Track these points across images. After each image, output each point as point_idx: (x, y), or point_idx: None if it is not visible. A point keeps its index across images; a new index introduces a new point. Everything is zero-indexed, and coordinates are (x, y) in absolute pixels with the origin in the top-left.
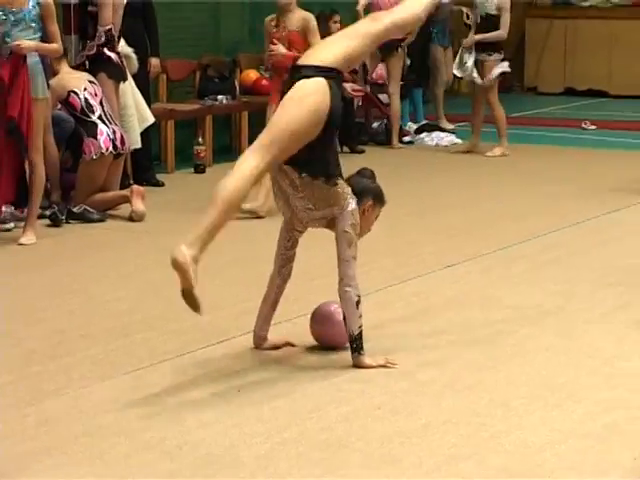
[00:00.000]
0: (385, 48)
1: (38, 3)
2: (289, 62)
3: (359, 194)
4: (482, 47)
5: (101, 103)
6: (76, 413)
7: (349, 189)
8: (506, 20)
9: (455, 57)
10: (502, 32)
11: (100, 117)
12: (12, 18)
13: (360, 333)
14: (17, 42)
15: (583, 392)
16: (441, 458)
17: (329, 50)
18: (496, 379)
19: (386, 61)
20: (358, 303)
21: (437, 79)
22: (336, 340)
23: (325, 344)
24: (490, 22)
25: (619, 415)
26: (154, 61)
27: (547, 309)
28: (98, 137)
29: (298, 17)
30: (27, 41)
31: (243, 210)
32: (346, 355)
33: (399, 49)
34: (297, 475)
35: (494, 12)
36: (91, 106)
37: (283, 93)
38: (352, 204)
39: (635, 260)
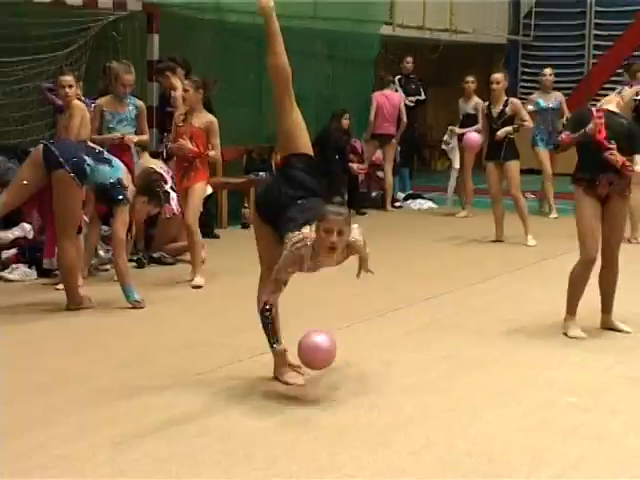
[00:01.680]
0: (383, 139)
1: (136, 107)
2: (192, 155)
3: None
4: None
5: (172, 177)
6: (163, 406)
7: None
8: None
9: None
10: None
11: (171, 187)
12: (117, 118)
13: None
14: (128, 136)
15: (523, 394)
16: (422, 442)
17: None
18: (461, 384)
19: (383, 148)
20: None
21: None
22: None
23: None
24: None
25: (550, 412)
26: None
27: (498, 332)
28: (171, 202)
29: (204, 117)
30: (132, 135)
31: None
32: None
33: (393, 140)
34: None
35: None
36: (166, 181)
37: (181, 177)
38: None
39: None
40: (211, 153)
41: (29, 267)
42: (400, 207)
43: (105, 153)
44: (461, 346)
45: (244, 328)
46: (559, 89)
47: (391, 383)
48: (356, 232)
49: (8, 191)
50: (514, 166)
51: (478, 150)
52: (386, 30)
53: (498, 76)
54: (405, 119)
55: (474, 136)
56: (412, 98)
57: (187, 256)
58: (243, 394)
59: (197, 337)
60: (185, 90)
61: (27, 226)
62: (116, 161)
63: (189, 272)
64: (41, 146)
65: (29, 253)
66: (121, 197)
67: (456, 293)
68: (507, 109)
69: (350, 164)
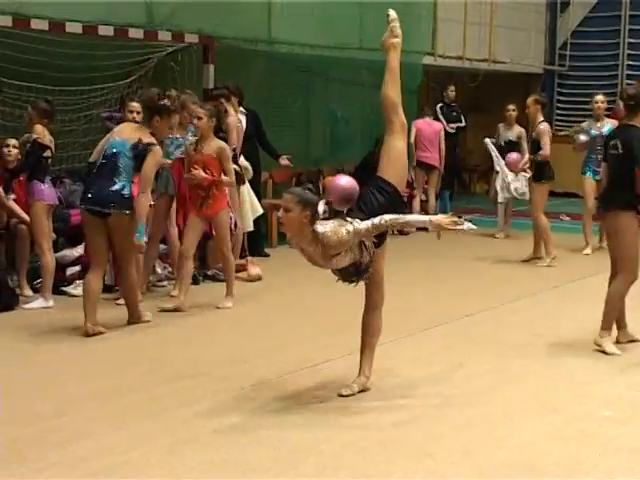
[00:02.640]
0: (427, 167)
1: (194, 134)
2: (206, 182)
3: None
4: None
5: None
6: (216, 415)
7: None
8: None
9: None
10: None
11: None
12: (176, 143)
13: None
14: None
15: (560, 407)
16: (463, 452)
17: None
18: (500, 397)
19: (427, 175)
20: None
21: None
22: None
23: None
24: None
25: (587, 424)
26: (283, 159)
27: (535, 347)
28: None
29: (215, 144)
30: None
31: (168, 309)
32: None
33: (436, 170)
34: None
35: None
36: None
37: (200, 205)
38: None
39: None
40: (224, 179)
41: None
42: None
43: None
44: (500, 360)
45: (292, 342)
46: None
47: (433, 395)
48: (327, 226)
49: (95, 263)
50: (538, 188)
51: (519, 169)
52: (428, 60)
53: (527, 101)
54: (443, 145)
55: (514, 155)
56: (453, 125)
57: (237, 273)
58: (293, 405)
59: (248, 350)
60: (199, 118)
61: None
62: None
63: (238, 288)
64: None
65: None
66: None
67: (494, 310)
68: (534, 133)
69: None
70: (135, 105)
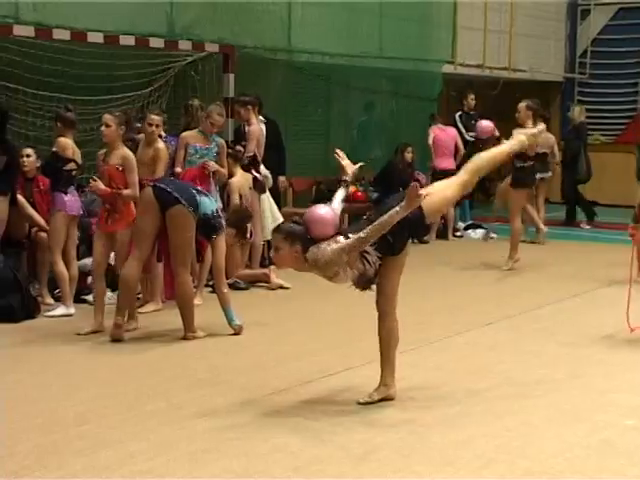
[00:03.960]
0: (446, 174)
1: (217, 145)
2: (106, 195)
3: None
4: None
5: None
6: (237, 424)
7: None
8: None
9: None
10: None
11: None
12: (200, 152)
13: None
14: (210, 162)
15: (583, 416)
16: (483, 460)
17: None
18: (523, 405)
19: None
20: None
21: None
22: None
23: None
24: None
25: (610, 433)
26: (282, 179)
27: (557, 356)
28: None
29: (119, 154)
30: (213, 163)
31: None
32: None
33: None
34: None
35: None
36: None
37: (106, 221)
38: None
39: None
40: (124, 192)
41: (112, 291)
42: (461, 236)
43: (199, 187)
44: (521, 368)
45: (312, 350)
46: (613, 125)
47: (453, 403)
48: (314, 250)
49: (137, 249)
50: (514, 193)
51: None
52: (448, 68)
53: (519, 105)
54: (461, 148)
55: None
56: (472, 133)
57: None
58: (312, 413)
59: (269, 358)
60: (106, 125)
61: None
62: (210, 193)
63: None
64: (149, 189)
65: (111, 278)
66: (220, 226)
67: (514, 319)
68: None
69: None
70: (155, 118)
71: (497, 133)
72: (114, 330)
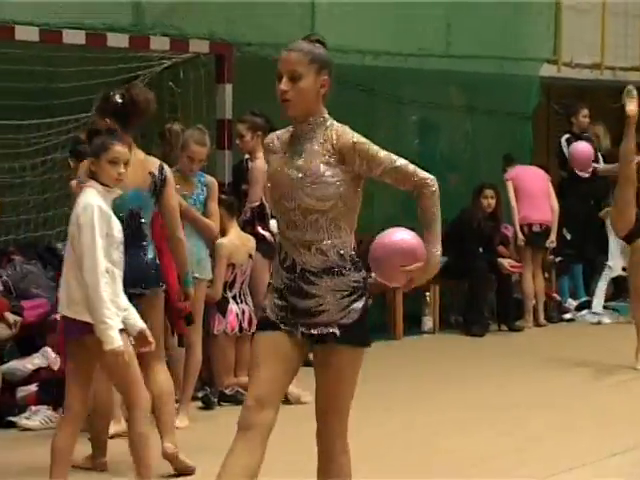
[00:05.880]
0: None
1: (206, 187)
2: None
3: None
4: None
5: (242, 283)
6: None
7: None
8: None
9: None
10: None
11: (234, 296)
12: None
13: None
14: None
15: None
16: None
17: None
18: None
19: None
20: None
21: None
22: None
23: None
24: None
25: None
26: None
27: None
28: (227, 315)
29: None
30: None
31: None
32: None
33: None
34: None
35: None
36: (234, 283)
37: None
38: None
39: None
40: None
41: (54, 409)
42: (571, 320)
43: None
44: None
45: None
46: None
47: None
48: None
49: None
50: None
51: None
52: (548, 70)
53: None
54: (556, 205)
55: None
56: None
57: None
58: None
59: None
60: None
61: (52, 353)
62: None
63: None
64: None
65: (54, 390)
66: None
67: None
68: None
69: (500, 259)
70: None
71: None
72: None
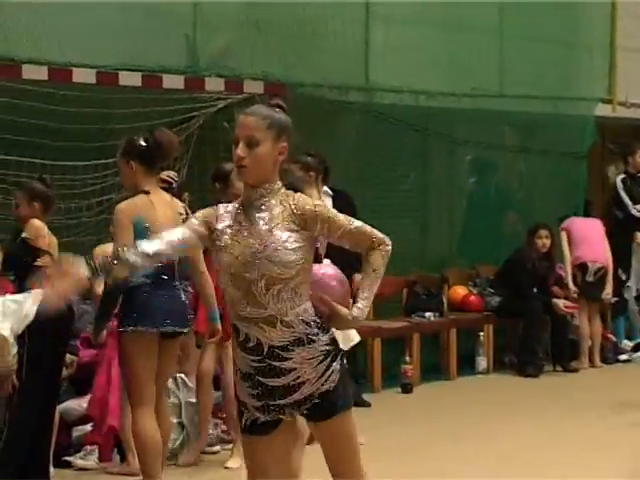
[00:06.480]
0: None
1: None
2: None
3: None
4: None
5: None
6: None
7: None
8: None
9: None
10: None
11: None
12: None
13: None
14: None
15: None
16: None
17: None
18: None
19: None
20: None
21: None
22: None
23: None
24: None
25: None
26: (358, 278)
27: None
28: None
29: None
30: None
31: None
32: None
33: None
34: None
35: None
36: None
37: None
38: None
39: None
40: None
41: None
42: (627, 361)
43: None
44: None
45: None
46: None
47: None
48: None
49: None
50: None
51: None
52: (603, 110)
53: None
54: (609, 253)
55: None
56: None
57: None
58: None
59: None
60: None
61: None
62: None
63: None
64: None
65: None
66: None
67: None
68: None
69: (554, 300)
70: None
71: None
72: None
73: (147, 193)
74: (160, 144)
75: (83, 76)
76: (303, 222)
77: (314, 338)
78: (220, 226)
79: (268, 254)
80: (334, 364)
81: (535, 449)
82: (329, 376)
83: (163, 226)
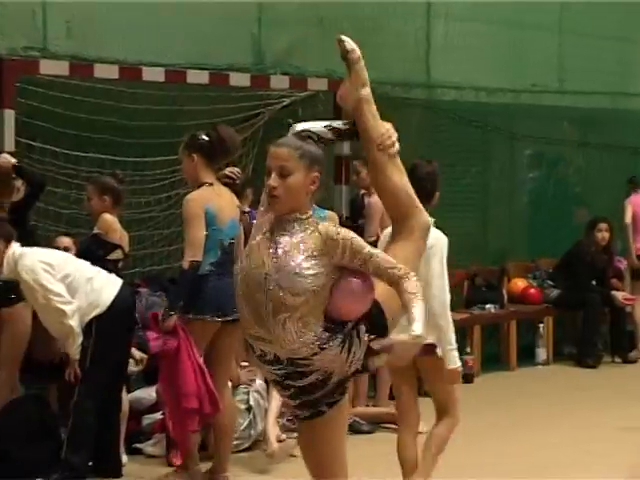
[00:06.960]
0: None
1: (326, 219)
2: None
3: None
4: None
5: None
6: None
7: None
8: None
9: None
10: None
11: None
12: None
13: None
14: None
15: None
16: None
17: None
18: None
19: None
20: None
21: None
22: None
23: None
24: None
25: None
26: None
27: None
28: None
29: None
30: None
31: None
32: None
33: None
34: None
35: None
36: None
37: None
38: None
39: None
40: None
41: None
42: None
43: None
44: None
45: None
46: None
47: None
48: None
49: None
50: None
51: None
52: None
53: None
54: None
55: None
56: None
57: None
58: None
59: None
60: None
61: None
62: None
63: None
64: None
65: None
66: None
67: None
68: None
69: (613, 292)
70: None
71: None
72: None
73: (210, 185)
74: (221, 139)
75: (152, 75)
76: (324, 247)
77: (330, 345)
78: (260, 219)
79: (278, 278)
80: (353, 348)
81: (595, 439)
82: (352, 358)
83: (228, 215)
